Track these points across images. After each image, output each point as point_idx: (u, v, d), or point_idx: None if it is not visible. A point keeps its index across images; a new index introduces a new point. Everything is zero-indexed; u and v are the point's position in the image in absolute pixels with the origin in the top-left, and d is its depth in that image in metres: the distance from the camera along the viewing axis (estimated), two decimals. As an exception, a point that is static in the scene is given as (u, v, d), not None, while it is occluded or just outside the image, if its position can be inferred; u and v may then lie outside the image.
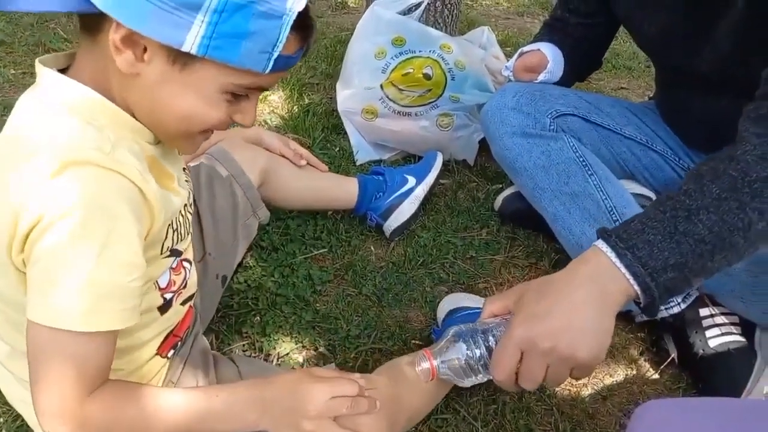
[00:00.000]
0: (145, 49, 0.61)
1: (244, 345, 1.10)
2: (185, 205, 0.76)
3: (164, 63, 0.62)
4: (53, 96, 0.63)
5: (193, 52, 0.60)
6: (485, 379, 0.73)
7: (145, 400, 0.64)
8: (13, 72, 1.85)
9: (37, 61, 0.65)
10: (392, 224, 1.35)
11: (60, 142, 0.59)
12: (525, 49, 1.34)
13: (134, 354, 0.76)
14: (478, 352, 0.71)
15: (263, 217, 1.16)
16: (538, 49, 1.31)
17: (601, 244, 0.70)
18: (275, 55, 0.63)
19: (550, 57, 1.31)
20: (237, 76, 0.64)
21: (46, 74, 0.64)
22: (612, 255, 0.68)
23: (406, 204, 1.36)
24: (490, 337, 0.71)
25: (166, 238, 0.71)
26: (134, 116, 0.66)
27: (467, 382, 0.74)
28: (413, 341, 1.13)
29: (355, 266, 1.29)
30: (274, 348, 1.10)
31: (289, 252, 1.30)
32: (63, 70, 0.66)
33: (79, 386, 0.60)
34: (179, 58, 0.61)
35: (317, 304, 1.20)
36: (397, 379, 0.89)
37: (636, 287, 0.68)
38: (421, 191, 1.39)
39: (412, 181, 1.38)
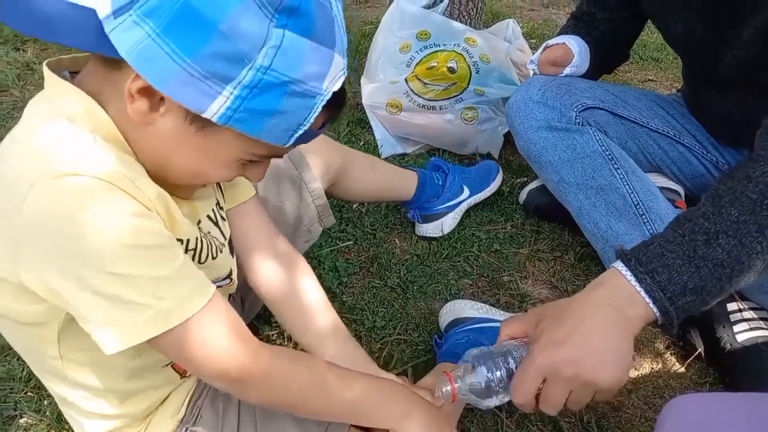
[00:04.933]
0: (162, 100, 0.57)
1: (273, 334, 1.12)
2: (199, 221, 0.74)
3: (180, 120, 0.58)
4: (61, 109, 0.59)
5: (214, 120, 0.56)
6: (505, 401, 0.74)
7: (319, 364, 0.71)
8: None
9: (44, 65, 0.62)
10: (428, 231, 1.36)
11: (58, 156, 0.55)
12: (550, 42, 1.33)
13: (145, 373, 0.74)
14: (498, 374, 0.72)
15: (328, 223, 1.12)
16: (564, 43, 1.30)
17: (620, 266, 0.70)
18: (299, 132, 0.60)
19: (576, 50, 1.30)
20: (254, 146, 0.61)
21: (55, 81, 0.60)
22: (632, 279, 0.69)
23: (450, 217, 1.37)
24: (510, 360, 0.72)
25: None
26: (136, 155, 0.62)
27: (487, 403, 0.75)
28: (437, 334, 1.15)
29: (381, 259, 1.31)
30: (302, 338, 1.12)
31: (316, 244, 1.32)
32: (72, 74, 0.63)
33: (237, 335, 0.64)
34: (197, 119, 0.58)
35: (343, 296, 1.22)
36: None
37: (655, 311, 0.68)
38: (468, 204, 1.40)
39: (466, 192, 1.39)
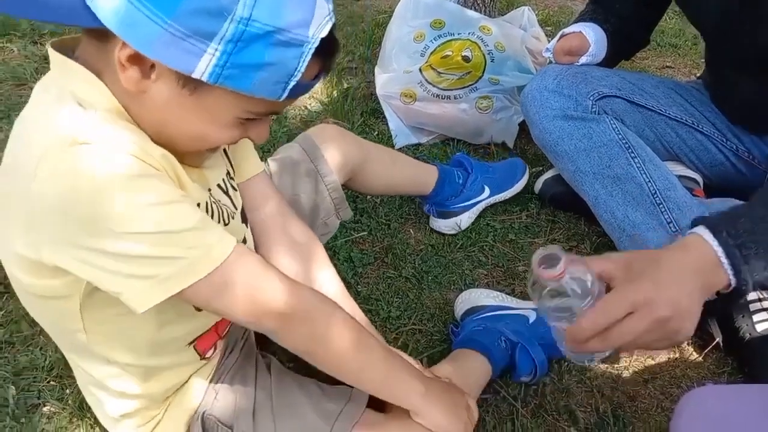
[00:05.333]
0: (152, 67, 0.58)
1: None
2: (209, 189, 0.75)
3: (173, 84, 0.59)
4: (65, 86, 0.61)
5: (204, 79, 0.56)
6: (565, 325, 0.69)
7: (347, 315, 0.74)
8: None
9: (48, 46, 0.63)
10: (442, 227, 1.36)
11: (65, 131, 0.57)
12: (566, 30, 1.31)
13: (168, 350, 0.76)
14: (595, 288, 0.68)
15: (345, 217, 1.11)
16: (580, 32, 1.28)
17: (708, 236, 0.69)
18: (291, 84, 0.60)
19: (592, 39, 1.28)
20: (250, 103, 0.61)
21: (59, 61, 0.62)
22: (719, 251, 0.68)
23: (466, 216, 1.35)
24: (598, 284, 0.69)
25: None
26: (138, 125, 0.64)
27: (556, 317, 0.70)
28: (452, 323, 1.15)
29: (395, 249, 1.31)
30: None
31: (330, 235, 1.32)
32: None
33: (273, 272, 0.67)
34: (189, 81, 0.58)
35: (358, 286, 1.22)
36: (461, 362, 0.98)
37: (734, 283, 0.68)
38: (486, 203, 1.38)
39: (486, 192, 1.37)
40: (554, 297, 0.68)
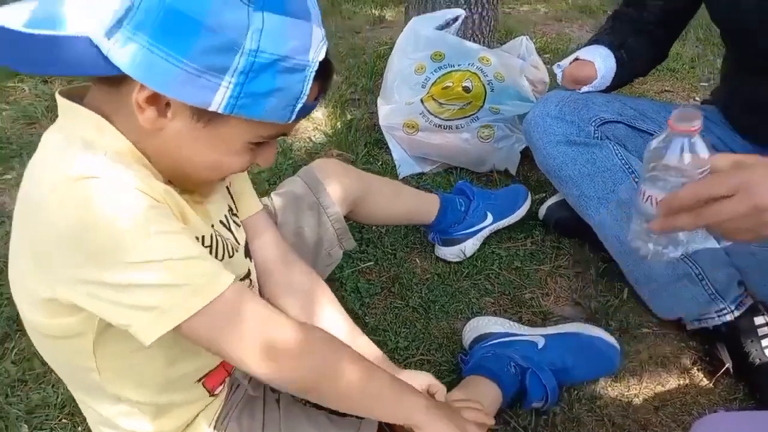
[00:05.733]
0: (168, 105, 0.61)
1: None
2: (216, 223, 0.77)
3: (188, 119, 0.62)
4: (73, 131, 0.63)
5: (220, 111, 0.60)
6: (661, 195, 0.71)
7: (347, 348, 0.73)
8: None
9: (57, 94, 0.65)
10: (447, 255, 1.37)
11: (73, 168, 0.59)
12: (582, 54, 1.30)
13: (177, 387, 0.76)
14: (707, 166, 0.69)
15: (349, 247, 1.13)
16: (592, 62, 1.27)
17: None
18: (299, 106, 0.64)
19: (601, 72, 1.28)
20: (261, 128, 0.65)
21: (66, 108, 0.64)
22: None
23: (470, 243, 1.37)
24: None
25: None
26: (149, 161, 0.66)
27: (659, 186, 0.72)
28: (461, 352, 1.15)
29: (402, 279, 1.32)
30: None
31: (337, 265, 1.33)
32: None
33: (272, 309, 0.66)
34: (204, 115, 0.61)
35: (366, 317, 1.23)
36: (472, 389, 0.98)
37: None
38: (490, 230, 1.40)
39: (489, 218, 1.38)
40: (664, 170, 0.71)
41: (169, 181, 0.68)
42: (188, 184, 0.71)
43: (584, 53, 1.29)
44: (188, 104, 0.60)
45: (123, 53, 0.57)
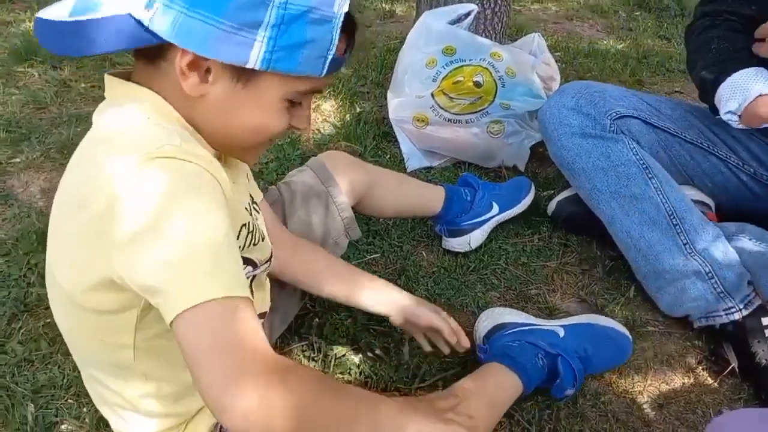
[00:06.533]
0: (208, 70, 0.64)
1: (303, 346, 1.14)
2: (250, 209, 0.79)
3: (228, 81, 0.64)
4: (125, 102, 0.65)
5: (257, 67, 0.63)
6: None
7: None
8: (84, 86, 1.97)
9: (105, 75, 0.69)
10: (456, 246, 1.37)
11: (134, 142, 0.60)
12: (765, 91, 1.07)
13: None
14: None
15: (355, 236, 1.16)
16: None
17: None
18: (330, 57, 0.66)
19: None
20: (297, 83, 0.67)
21: (116, 85, 0.67)
22: None
23: (478, 233, 1.36)
24: None
25: (239, 236, 0.73)
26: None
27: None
28: (480, 342, 1.15)
29: (408, 271, 1.32)
30: (332, 349, 1.14)
31: (344, 257, 1.33)
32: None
33: (265, 339, 0.57)
34: (242, 75, 0.64)
35: (372, 308, 1.23)
36: (485, 380, 0.96)
37: None
38: (497, 220, 1.39)
39: (495, 208, 1.38)
40: None
41: (218, 155, 0.71)
42: (237, 152, 0.75)
43: (762, 85, 1.08)
44: (227, 66, 0.63)
45: (163, 21, 0.60)
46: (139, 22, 0.60)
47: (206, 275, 0.55)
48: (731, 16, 1.21)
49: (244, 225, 0.75)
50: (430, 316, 1.02)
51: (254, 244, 0.78)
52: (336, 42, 0.65)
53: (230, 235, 0.59)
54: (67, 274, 0.67)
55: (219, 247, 0.57)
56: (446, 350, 1.04)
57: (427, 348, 1.06)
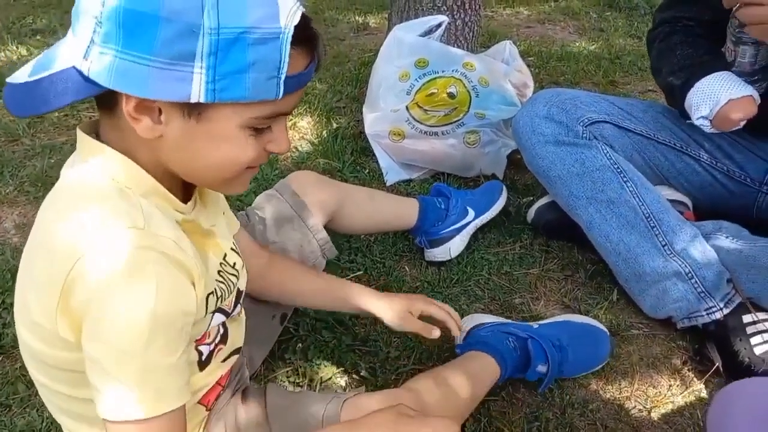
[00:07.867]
0: (160, 111, 0.60)
1: (287, 371, 1.13)
2: (225, 255, 0.77)
3: (181, 119, 0.61)
4: (94, 166, 0.64)
5: (202, 100, 0.58)
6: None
7: None
8: (57, 114, 1.95)
9: (77, 128, 0.67)
10: (437, 255, 1.36)
11: (99, 215, 0.61)
12: (735, 95, 1.09)
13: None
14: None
15: (331, 255, 1.15)
16: (750, 96, 1.10)
17: None
18: (282, 77, 0.60)
19: (757, 101, 1.11)
20: (253, 109, 0.62)
21: (86, 142, 0.65)
22: None
23: (457, 239, 1.36)
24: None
25: (207, 305, 0.71)
26: (170, 176, 0.67)
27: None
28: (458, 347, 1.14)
29: (391, 287, 1.32)
30: (317, 373, 1.12)
31: (326, 276, 1.33)
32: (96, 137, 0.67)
33: None
34: (193, 110, 0.60)
35: (356, 328, 1.22)
36: (462, 364, 1.01)
37: None
38: (475, 225, 1.40)
39: (471, 213, 1.38)
40: None
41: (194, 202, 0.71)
42: (219, 185, 0.71)
43: (737, 93, 1.09)
44: (175, 103, 0.59)
45: (99, 68, 0.58)
46: (81, 73, 0.58)
47: (131, 393, 0.59)
48: (689, 21, 1.24)
49: (212, 293, 0.71)
50: (423, 302, 1.04)
51: (223, 301, 0.75)
52: (286, 59, 0.59)
53: (179, 352, 0.62)
54: (28, 329, 0.66)
55: (156, 368, 0.60)
56: (437, 334, 1.00)
57: (435, 334, 1.00)
